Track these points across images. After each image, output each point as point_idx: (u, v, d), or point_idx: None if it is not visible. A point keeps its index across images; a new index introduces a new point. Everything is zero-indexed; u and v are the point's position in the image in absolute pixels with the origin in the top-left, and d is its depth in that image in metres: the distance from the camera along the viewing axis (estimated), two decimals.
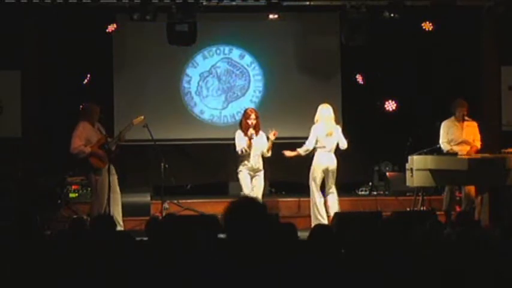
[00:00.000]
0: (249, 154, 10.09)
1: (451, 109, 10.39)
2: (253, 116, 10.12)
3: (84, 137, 9.73)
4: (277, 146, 10.43)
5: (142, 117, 10.07)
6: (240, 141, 10.10)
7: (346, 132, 10.71)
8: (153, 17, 10.93)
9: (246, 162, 10.12)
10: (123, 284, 4.50)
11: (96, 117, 9.93)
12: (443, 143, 10.30)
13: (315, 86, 12.35)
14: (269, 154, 10.21)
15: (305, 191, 10.83)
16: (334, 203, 10.23)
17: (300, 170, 10.53)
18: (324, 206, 10.22)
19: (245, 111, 10.37)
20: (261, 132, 10.21)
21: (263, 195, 10.29)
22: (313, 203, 10.21)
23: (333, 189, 10.25)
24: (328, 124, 10.24)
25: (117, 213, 9.69)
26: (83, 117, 9.92)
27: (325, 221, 9.98)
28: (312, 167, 10.21)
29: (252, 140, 10.03)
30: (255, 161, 10.14)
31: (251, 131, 10.03)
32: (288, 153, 10.28)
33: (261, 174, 10.22)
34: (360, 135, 11.94)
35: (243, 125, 10.17)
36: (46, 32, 11.84)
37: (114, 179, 9.89)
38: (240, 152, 10.09)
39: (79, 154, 9.72)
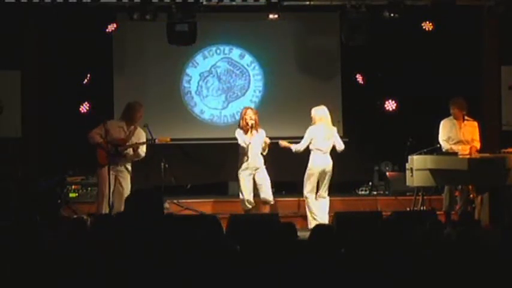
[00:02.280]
0: (248, 153, 10.16)
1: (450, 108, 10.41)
2: (249, 112, 10.28)
3: (105, 128, 9.79)
4: (278, 146, 10.44)
5: (168, 138, 10.19)
6: (242, 136, 10.23)
7: (346, 133, 10.73)
8: (153, 17, 10.93)
9: (245, 161, 10.20)
10: (123, 284, 4.50)
11: (134, 117, 9.97)
12: (443, 141, 10.30)
13: (315, 86, 12.35)
14: (265, 153, 10.28)
15: None
16: (325, 207, 10.27)
17: (300, 170, 10.53)
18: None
19: (242, 110, 10.53)
20: (260, 130, 10.27)
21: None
22: (307, 203, 10.25)
23: (325, 194, 10.27)
24: (326, 127, 10.26)
25: None
26: (122, 115, 10.15)
27: (320, 220, 10.03)
28: (308, 169, 10.23)
29: (252, 133, 10.15)
30: (254, 160, 10.21)
31: (251, 122, 10.19)
32: (283, 143, 10.31)
33: (262, 170, 10.28)
34: (360, 135, 11.95)
35: (241, 124, 10.29)
36: (46, 32, 11.84)
37: (123, 183, 9.87)
38: (243, 144, 10.19)
39: (89, 139, 9.87)
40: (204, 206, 11.05)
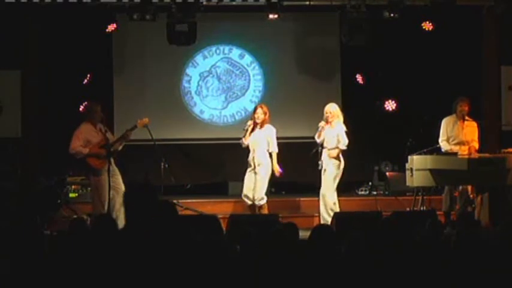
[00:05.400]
0: (250, 149, 10.18)
1: (453, 106, 10.38)
2: (258, 110, 10.28)
3: (83, 137, 9.78)
4: (278, 145, 10.43)
5: (146, 119, 10.09)
6: (243, 137, 10.28)
7: (346, 133, 10.71)
8: (153, 17, 10.93)
9: (248, 157, 10.24)
10: (123, 284, 4.50)
11: (98, 116, 9.95)
12: (443, 141, 10.28)
13: (315, 86, 12.35)
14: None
15: (305, 191, 10.83)
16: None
17: (300, 170, 10.53)
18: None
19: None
20: (268, 126, 10.24)
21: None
22: (333, 203, 10.16)
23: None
24: None
25: (121, 214, 9.67)
26: (85, 118, 10.00)
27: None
28: (341, 168, 10.19)
29: (249, 132, 10.14)
30: (256, 155, 10.19)
31: (249, 122, 10.20)
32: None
33: (261, 168, 10.15)
34: (359, 135, 11.93)
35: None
36: (46, 32, 11.84)
37: (117, 179, 9.88)
38: (242, 145, 10.23)
39: (76, 154, 9.81)
40: (204, 206, 11.05)
